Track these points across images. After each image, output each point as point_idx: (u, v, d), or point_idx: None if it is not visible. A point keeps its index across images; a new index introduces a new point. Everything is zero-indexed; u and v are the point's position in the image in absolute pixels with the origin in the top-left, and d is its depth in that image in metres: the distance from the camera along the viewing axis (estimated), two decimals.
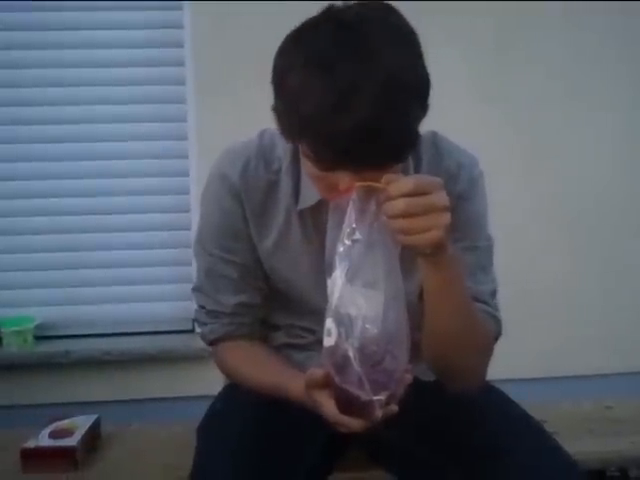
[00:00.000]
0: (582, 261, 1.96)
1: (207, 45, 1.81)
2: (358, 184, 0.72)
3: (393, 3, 0.79)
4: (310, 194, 0.89)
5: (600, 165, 1.96)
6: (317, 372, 0.76)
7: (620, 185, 1.98)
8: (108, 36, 1.86)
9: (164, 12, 1.87)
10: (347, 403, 0.73)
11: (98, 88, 1.86)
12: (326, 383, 0.75)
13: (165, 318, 1.92)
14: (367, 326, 0.70)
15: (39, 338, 1.85)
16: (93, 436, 1.19)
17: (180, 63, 1.87)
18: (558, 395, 1.40)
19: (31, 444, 1.11)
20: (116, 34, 1.86)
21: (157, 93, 1.88)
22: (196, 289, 1.01)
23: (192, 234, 1.86)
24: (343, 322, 0.71)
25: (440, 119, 1.05)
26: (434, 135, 0.97)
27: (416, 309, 0.83)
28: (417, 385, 0.82)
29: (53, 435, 1.13)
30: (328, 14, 0.74)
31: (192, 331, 1.90)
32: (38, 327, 1.85)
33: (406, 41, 0.74)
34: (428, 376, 0.90)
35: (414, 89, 0.72)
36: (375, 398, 0.71)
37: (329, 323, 0.72)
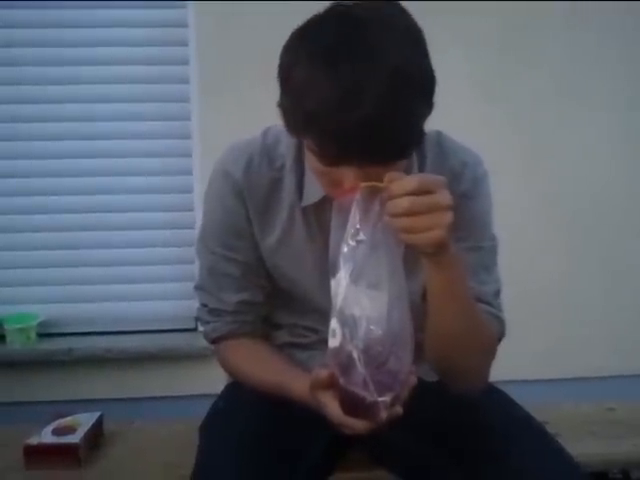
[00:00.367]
0: (582, 261, 1.96)
1: (211, 44, 1.82)
2: (362, 184, 0.72)
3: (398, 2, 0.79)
4: (314, 191, 0.89)
5: (599, 165, 1.96)
6: (322, 373, 0.76)
7: (619, 185, 1.98)
8: (111, 34, 1.86)
9: (168, 10, 1.87)
10: (352, 404, 0.73)
11: (101, 86, 1.86)
12: (331, 384, 0.75)
13: (168, 316, 1.92)
14: (371, 327, 0.71)
15: (42, 335, 1.85)
16: (96, 433, 1.19)
17: (184, 62, 1.87)
18: (560, 397, 1.40)
19: (34, 441, 1.11)
20: (119, 32, 1.86)
21: (161, 91, 1.89)
22: (198, 287, 1.01)
23: (195, 233, 1.86)
24: (347, 323, 0.71)
25: (442, 118, 1.05)
26: (439, 134, 0.97)
27: (420, 309, 0.83)
28: (420, 385, 0.82)
29: (56, 432, 1.14)
30: (334, 11, 0.74)
31: (195, 329, 1.91)
32: (41, 325, 1.85)
33: (412, 39, 0.74)
34: (431, 377, 0.90)
35: (419, 86, 0.72)
36: (380, 399, 0.70)
37: (334, 324, 0.72)
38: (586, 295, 1.95)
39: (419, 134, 0.76)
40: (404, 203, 0.69)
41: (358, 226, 0.72)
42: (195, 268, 1.07)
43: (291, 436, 0.86)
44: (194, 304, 1.89)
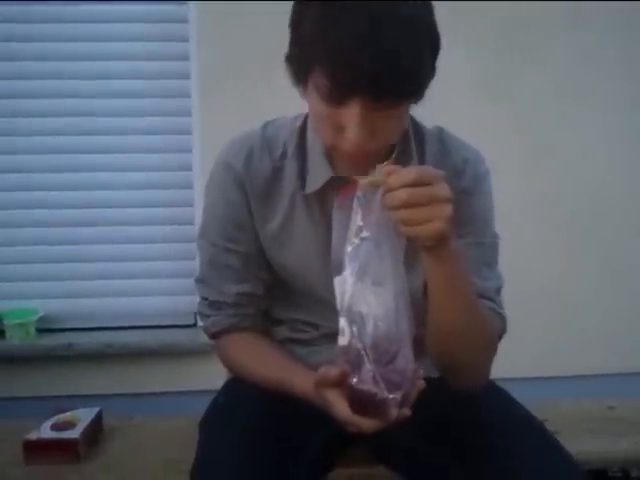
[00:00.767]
0: (581, 261, 1.96)
1: (212, 40, 1.81)
2: (362, 180, 0.72)
3: None
4: (316, 178, 0.90)
5: (599, 165, 1.96)
6: (330, 371, 0.76)
7: (618, 185, 1.98)
8: (112, 29, 1.85)
9: (169, 6, 1.87)
10: (361, 403, 0.73)
11: (102, 81, 1.86)
12: (339, 382, 0.74)
13: (168, 312, 1.92)
14: (379, 324, 0.71)
15: (41, 331, 1.85)
16: (95, 429, 1.19)
17: (185, 57, 1.87)
18: (560, 394, 1.40)
19: (33, 436, 1.11)
20: (120, 27, 1.86)
21: (161, 87, 1.88)
22: (199, 280, 1.01)
23: (195, 228, 1.86)
24: (355, 320, 0.72)
25: (443, 117, 1.06)
26: (440, 130, 0.97)
27: (421, 304, 0.83)
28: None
29: (55, 427, 1.14)
30: None
31: (195, 325, 1.91)
32: (41, 320, 1.85)
33: (423, 1, 0.78)
34: (432, 372, 0.90)
35: (430, 40, 0.77)
36: (391, 396, 0.71)
37: (342, 323, 0.72)
38: (586, 294, 1.96)
39: (424, 84, 0.78)
40: (402, 195, 0.69)
41: (361, 223, 0.72)
42: (195, 264, 1.07)
43: (291, 432, 0.86)
44: (194, 300, 1.88)
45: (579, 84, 1.93)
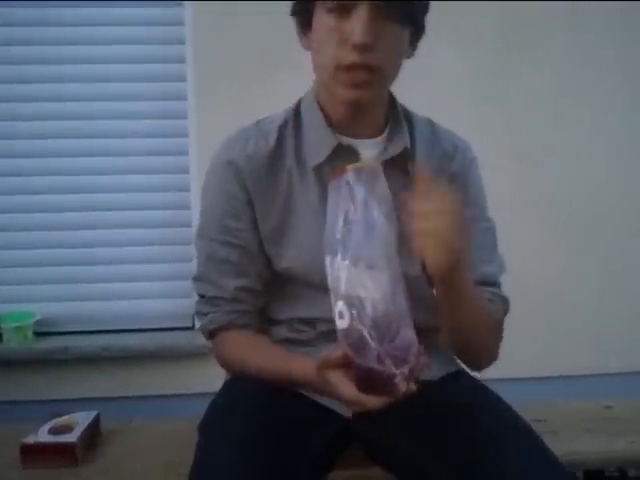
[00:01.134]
0: (578, 261, 1.97)
1: (208, 42, 1.82)
2: (350, 166, 0.75)
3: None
4: (320, 149, 0.93)
5: (595, 165, 1.97)
6: (332, 353, 0.76)
7: (615, 185, 1.99)
8: (109, 32, 1.86)
9: (165, 9, 1.87)
10: (369, 381, 0.73)
11: (99, 84, 1.86)
12: (342, 364, 0.75)
13: (165, 315, 1.92)
14: (377, 305, 0.72)
15: (39, 334, 1.85)
16: (93, 432, 1.18)
17: (181, 60, 1.87)
18: (557, 394, 1.40)
19: (30, 440, 1.10)
20: (117, 30, 1.86)
21: (158, 90, 1.88)
22: (197, 278, 1.01)
23: (192, 231, 1.86)
24: (354, 304, 0.73)
25: (438, 117, 1.06)
26: (430, 120, 1.04)
27: (424, 290, 0.88)
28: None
29: (53, 431, 1.13)
30: None
31: (192, 328, 1.91)
32: (38, 323, 1.85)
33: None
34: (433, 375, 0.91)
35: None
36: (398, 371, 0.71)
37: (340, 306, 0.73)
38: (583, 293, 1.96)
39: (425, 9, 0.90)
40: (421, 224, 0.74)
41: (351, 208, 0.74)
42: (193, 266, 1.07)
43: (291, 433, 0.86)
44: (192, 302, 1.87)
45: (577, 84, 1.93)
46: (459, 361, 1.03)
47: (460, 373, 1.02)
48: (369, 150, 0.96)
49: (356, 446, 0.98)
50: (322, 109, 0.96)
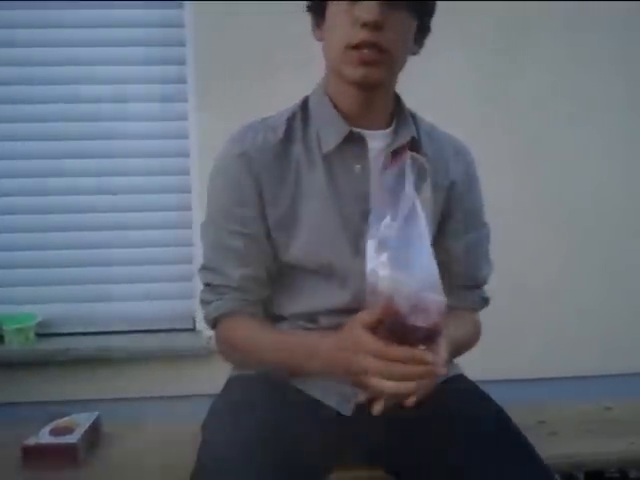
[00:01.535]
0: (579, 261, 1.96)
1: (209, 44, 1.82)
2: (409, 153, 0.80)
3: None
4: (331, 136, 0.95)
5: (597, 165, 1.97)
6: (366, 314, 0.77)
7: (617, 185, 1.98)
8: (109, 34, 1.86)
9: (165, 10, 1.87)
10: (406, 336, 0.74)
11: (99, 86, 1.87)
12: (375, 324, 0.76)
13: (166, 316, 1.93)
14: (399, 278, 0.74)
15: (40, 336, 1.85)
16: (94, 434, 1.19)
17: (181, 62, 1.87)
18: (557, 396, 1.40)
19: (32, 441, 1.11)
20: (117, 32, 1.86)
21: (158, 91, 1.89)
22: (202, 268, 1.01)
23: (194, 232, 1.88)
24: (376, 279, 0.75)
25: (440, 118, 1.07)
26: (431, 124, 1.07)
27: None
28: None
29: (54, 432, 1.14)
30: None
31: (193, 329, 1.91)
32: (39, 325, 1.85)
33: None
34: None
35: None
36: (436, 321, 0.73)
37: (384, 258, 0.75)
38: (583, 294, 1.96)
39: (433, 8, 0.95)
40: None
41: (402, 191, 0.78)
42: (194, 268, 1.08)
43: (292, 434, 0.86)
44: (193, 303, 1.88)
45: (577, 84, 1.93)
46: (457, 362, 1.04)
47: (459, 377, 1.03)
48: (377, 141, 0.97)
49: (356, 447, 0.98)
50: (332, 102, 0.98)
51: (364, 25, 0.87)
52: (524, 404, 0.97)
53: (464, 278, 1.04)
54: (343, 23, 0.89)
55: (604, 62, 1.94)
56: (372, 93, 0.95)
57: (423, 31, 0.96)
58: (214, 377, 1.07)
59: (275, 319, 1.02)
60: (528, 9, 1.88)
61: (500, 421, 0.90)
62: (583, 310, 1.96)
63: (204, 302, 1.01)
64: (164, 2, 1.87)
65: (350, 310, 0.84)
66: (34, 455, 1.09)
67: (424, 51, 0.98)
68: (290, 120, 0.99)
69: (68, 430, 1.14)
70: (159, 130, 1.89)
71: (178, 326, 1.92)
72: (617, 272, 1.98)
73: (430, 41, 0.98)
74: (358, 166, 0.96)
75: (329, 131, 0.96)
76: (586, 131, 1.95)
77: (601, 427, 1.24)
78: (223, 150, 1.00)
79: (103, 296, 1.90)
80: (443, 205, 1.01)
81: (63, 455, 1.09)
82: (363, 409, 0.94)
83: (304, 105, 1.01)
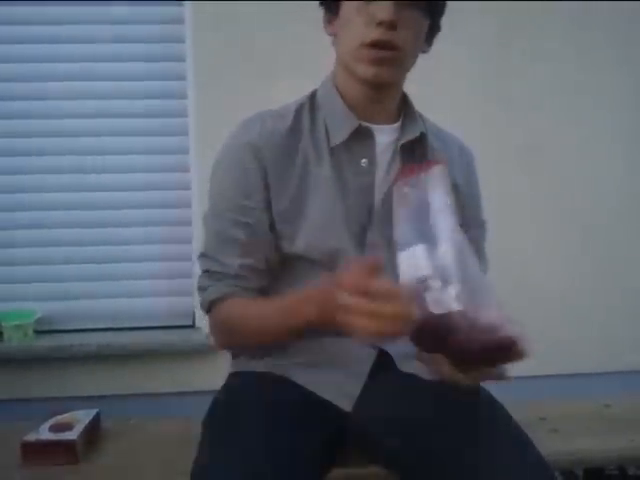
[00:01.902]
0: (579, 260, 1.97)
1: (208, 40, 1.81)
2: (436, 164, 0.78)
3: None
4: (340, 129, 0.95)
5: (598, 165, 1.97)
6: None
7: (617, 185, 1.98)
8: (108, 31, 1.85)
9: (165, 7, 1.87)
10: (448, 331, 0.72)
11: (98, 83, 1.86)
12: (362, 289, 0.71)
13: (165, 313, 1.92)
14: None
15: (39, 332, 1.85)
16: (93, 430, 1.19)
17: (181, 58, 1.87)
18: (556, 393, 1.40)
19: (31, 437, 1.11)
20: (116, 29, 1.86)
21: (158, 88, 1.88)
22: (202, 255, 1.01)
23: (193, 229, 1.88)
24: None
25: (442, 116, 1.07)
26: (434, 123, 1.08)
27: None
28: (415, 383, 0.86)
29: (53, 429, 1.14)
30: None
31: (193, 326, 1.91)
32: (38, 321, 1.85)
33: None
34: (426, 375, 0.91)
35: None
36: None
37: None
38: (583, 292, 1.96)
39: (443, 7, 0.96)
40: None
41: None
42: (194, 264, 1.08)
43: (293, 431, 0.86)
44: (192, 300, 1.88)
45: (580, 84, 1.93)
46: None
47: None
48: (385, 135, 0.98)
49: (356, 444, 0.98)
50: (340, 95, 0.98)
51: (379, 24, 0.87)
52: (525, 401, 0.96)
53: None
54: (358, 21, 0.90)
55: (607, 62, 1.94)
56: (382, 90, 0.96)
57: (434, 30, 0.97)
58: (214, 373, 1.07)
59: None
60: (531, 9, 1.87)
61: (501, 418, 0.90)
62: (583, 308, 1.96)
63: (201, 288, 1.00)
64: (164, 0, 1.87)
65: None
66: (34, 451, 1.09)
67: None
68: (298, 111, 1.00)
69: (68, 426, 1.14)
70: (159, 127, 1.88)
71: (177, 323, 1.92)
72: (617, 270, 1.99)
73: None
74: (365, 160, 0.96)
75: (338, 124, 0.96)
76: (588, 131, 1.95)
77: (601, 424, 1.24)
78: (230, 137, 0.99)
79: (103, 293, 1.90)
80: None
81: (63, 451, 1.09)
82: (363, 405, 0.94)
83: (312, 97, 1.02)
